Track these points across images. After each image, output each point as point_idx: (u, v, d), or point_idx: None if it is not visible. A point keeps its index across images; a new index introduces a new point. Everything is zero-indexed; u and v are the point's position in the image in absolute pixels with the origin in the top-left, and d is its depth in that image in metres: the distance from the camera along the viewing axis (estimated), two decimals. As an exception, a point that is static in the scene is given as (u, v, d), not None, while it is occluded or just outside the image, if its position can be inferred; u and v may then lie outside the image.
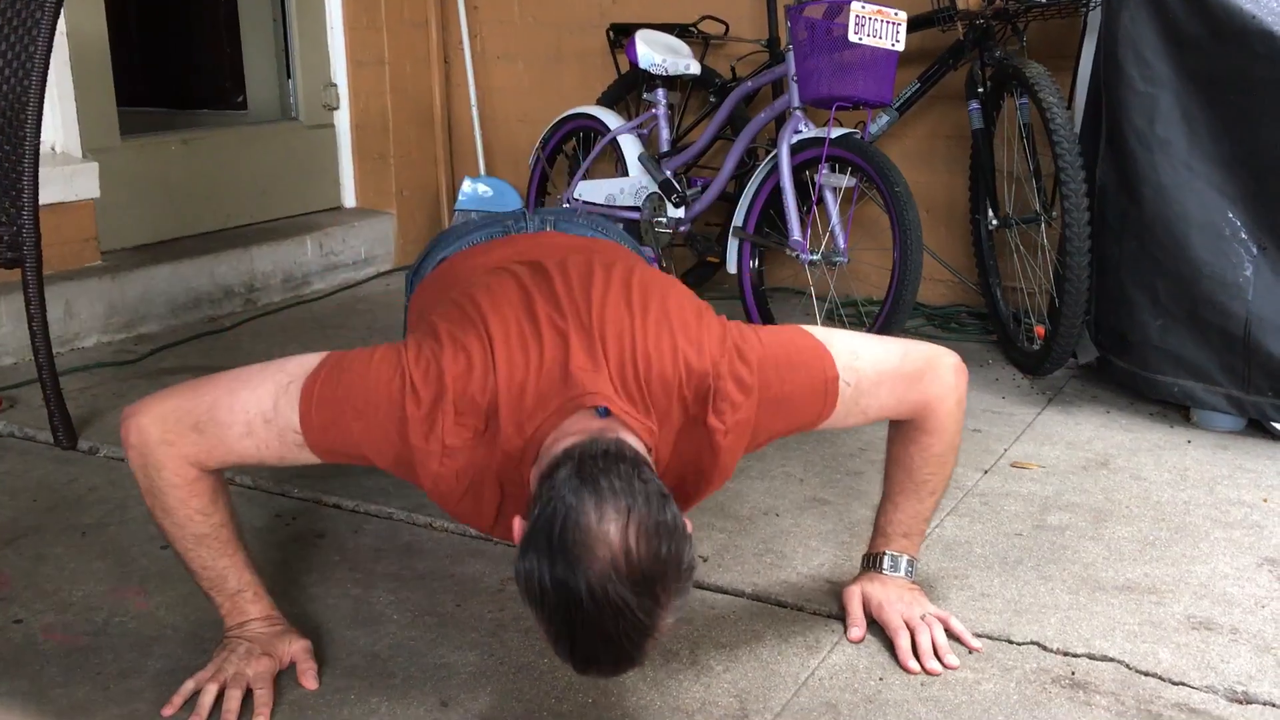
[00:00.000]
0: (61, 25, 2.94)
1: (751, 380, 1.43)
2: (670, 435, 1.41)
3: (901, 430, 1.62)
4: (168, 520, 1.45)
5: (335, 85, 3.93)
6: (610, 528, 1.17)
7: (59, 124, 3.07)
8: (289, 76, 3.94)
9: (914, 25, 2.81)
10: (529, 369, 1.37)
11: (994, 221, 2.95)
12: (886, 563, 1.66)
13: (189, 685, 1.46)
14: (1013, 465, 2.28)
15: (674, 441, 1.42)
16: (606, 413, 1.32)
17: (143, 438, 1.40)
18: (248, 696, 1.44)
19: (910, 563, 1.67)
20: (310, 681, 1.50)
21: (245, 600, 1.52)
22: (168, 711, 1.44)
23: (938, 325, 3.24)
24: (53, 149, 3.07)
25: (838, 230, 2.81)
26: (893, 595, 1.64)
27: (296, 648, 1.53)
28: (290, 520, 2.01)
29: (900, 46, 2.66)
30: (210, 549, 1.47)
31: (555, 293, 1.45)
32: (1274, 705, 1.48)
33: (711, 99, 3.39)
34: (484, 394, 1.35)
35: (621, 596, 1.16)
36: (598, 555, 1.16)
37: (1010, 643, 1.62)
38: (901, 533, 1.66)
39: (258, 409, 1.39)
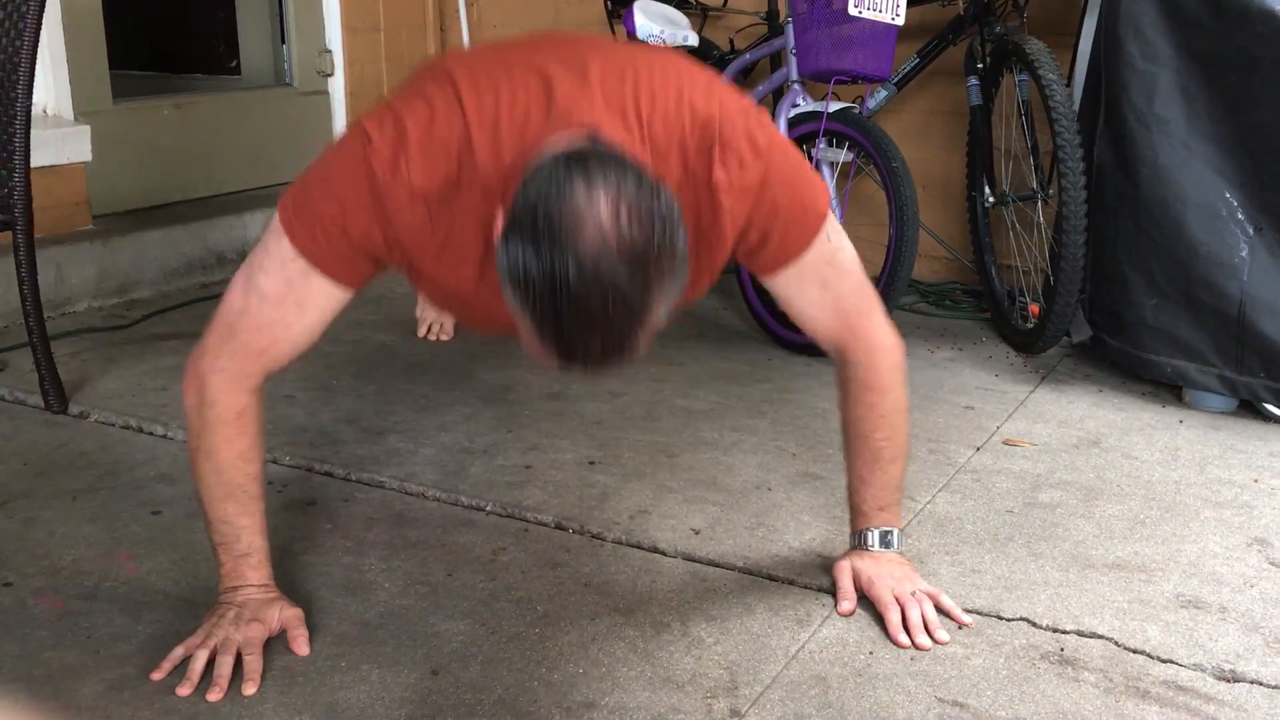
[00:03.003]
0: (54, -14, 2.91)
1: (764, 145, 1.36)
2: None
3: (848, 391, 1.60)
4: (209, 465, 1.46)
5: (330, 51, 3.90)
6: (600, 206, 1.11)
7: (51, 86, 3.04)
8: (283, 42, 3.91)
9: (914, 0, 2.80)
10: (501, 101, 1.30)
11: (990, 199, 2.94)
12: (871, 539, 1.66)
13: (179, 651, 1.46)
14: (1005, 442, 2.28)
15: None
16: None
17: (198, 373, 1.43)
18: (238, 663, 1.44)
19: (895, 535, 1.66)
20: (301, 648, 1.50)
21: (248, 565, 1.52)
22: (157, 676, 1.43)
23: (932, 302, 3.24)
24: (44, 111, 3.04)
25: (834, 205, 2.80)
26: (883, 570, 1.64)
27: (288, 615, 1.52)
28: (281, 488, 2.00)
29: (900, 21, 2.64)
30: (238, 503, 1.48)
31: (537, 42, 1.39)
32: (1260, 683, 1.48)
33: (709, 71, 3.37)
34: (451, 131, 1.29)
35: (612, 273, 1.10)
36: (587, 230, 1.10)
37: (1000, 619, 1.63)
38: (878, 506, 1.65)
39: (259, 269, 1.40)
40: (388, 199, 1.31)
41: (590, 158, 1.15)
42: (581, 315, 1.12)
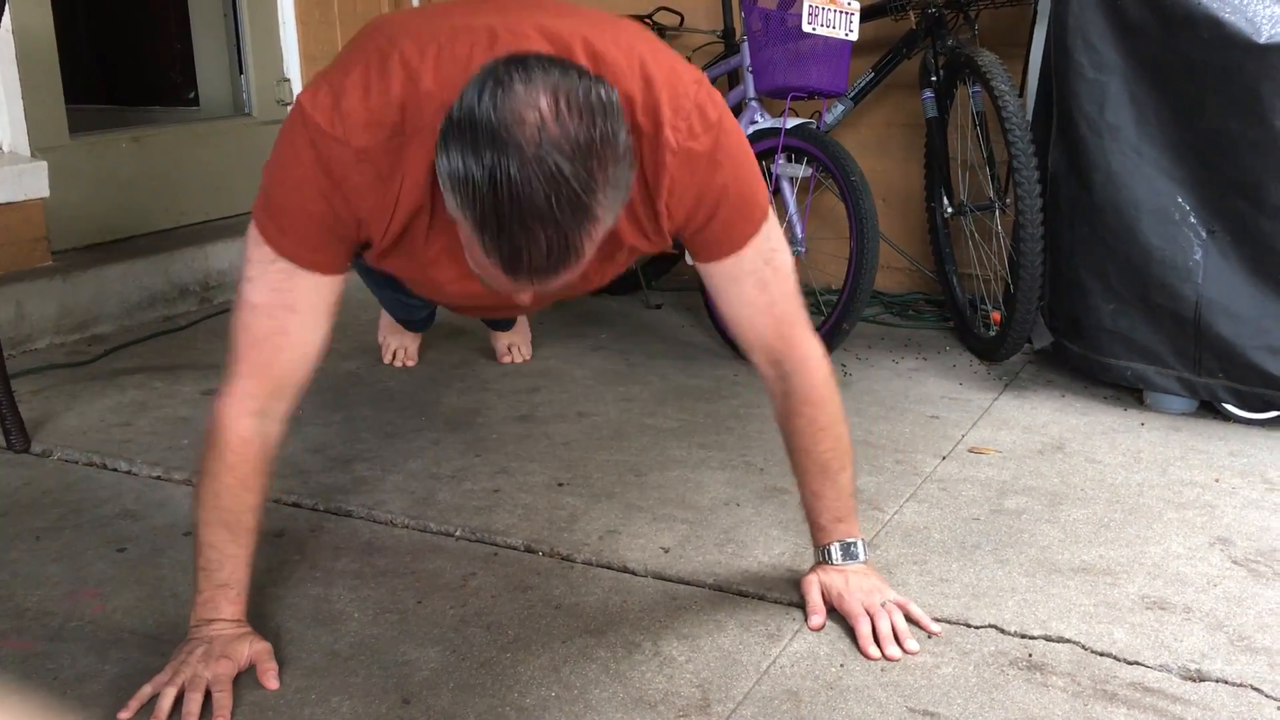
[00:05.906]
0: (7, 22, 2.90)
1: (715, 120, 1.35)
2: None
3: (785, 406, 1.61)
4: (208, 486, 1.46)
5: (288, 80, 3.89)
6: (540, 98, 1.09)
7: (6, 123, 3.03)
8: (241, 72, 3.90)
9: (867, 15, 2.83)
10: (443, 50, 1.28)
11: (949, 209, 2.97)
12: (836, 554, 1.67)
13: (146, 689, 1.45)
14: (970, 450, 2.30)
15: None
16: None
17: (217, 405, 1.44)
18: (207, 699, 1.43)
19: (859, 545, 1.67)
20: (271, 682, 1.49)
21: (225, 598, 1.51)
22: (124, 716, 1.42)
23: (896, 313, 3.27)
24: (0, 148, 3.02)
25: (795, 220, 2.82)
26: (852, 583, 1.64)
27: (257, 649, 1.51)
28: (249, 520, 1.99)
29: (854, 36, 2.67)
30: (230, 530, 1.48)
31: (478, 4, 1.38)
32: (1226, 682, 1.50)
33: (667, 90, 3.39)
34: (392, 79, 1.27)
35: (555, 162, 1.08)
36: (527, 121, 1.08)
37: (969, 626, 1.64)
38: (835, 518, 1.66)
39: (245, 281, 1.41)
40: (333, 164, 1.29)
41: (530, 59, 1.13)
42: (525, 211, 1.08)
